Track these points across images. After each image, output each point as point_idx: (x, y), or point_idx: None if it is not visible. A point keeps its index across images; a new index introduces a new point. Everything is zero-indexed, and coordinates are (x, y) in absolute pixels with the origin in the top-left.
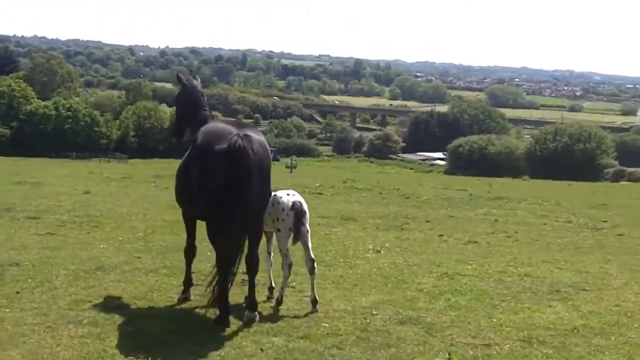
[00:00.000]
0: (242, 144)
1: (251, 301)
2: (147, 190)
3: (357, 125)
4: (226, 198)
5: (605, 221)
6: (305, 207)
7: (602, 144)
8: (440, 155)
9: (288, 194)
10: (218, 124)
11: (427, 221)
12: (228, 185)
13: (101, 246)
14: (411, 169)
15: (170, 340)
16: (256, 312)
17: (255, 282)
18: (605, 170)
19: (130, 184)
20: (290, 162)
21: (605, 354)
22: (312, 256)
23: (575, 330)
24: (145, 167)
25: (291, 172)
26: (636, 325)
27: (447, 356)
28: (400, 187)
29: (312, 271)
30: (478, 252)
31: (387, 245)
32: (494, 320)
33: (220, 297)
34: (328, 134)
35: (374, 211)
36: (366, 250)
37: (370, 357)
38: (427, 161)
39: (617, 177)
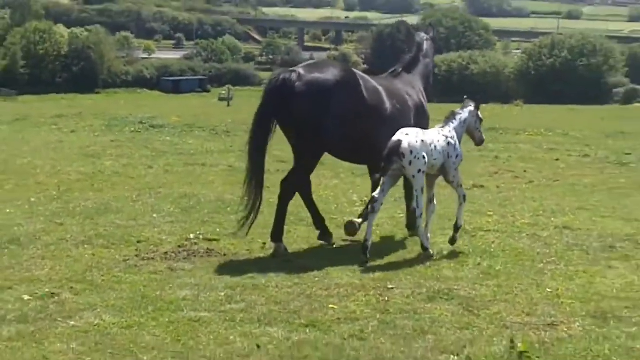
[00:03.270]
0: None
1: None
2: (50, 134)
3: (306, 44)
4: None
5: (629, 154)
6: (404, 147)
7: (609, 58)
8: None
9: (402, 132)
10: None
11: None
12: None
13: (7, 210)
14: None
15: (136, 340)
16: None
17: None
18: (615, 90)
19: (25, 127)
20: (225, 93)
21: None
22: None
23: None
24: (41, 104)
25: (228, 105)
26: None
27: (510, 344)
28: None
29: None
30: (492, 200)
31: None
32: (548, 290)
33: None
34: (270, 57)
35: None
36: (351, 202)
37: (406, 348)
38: None
39: (629, 98)
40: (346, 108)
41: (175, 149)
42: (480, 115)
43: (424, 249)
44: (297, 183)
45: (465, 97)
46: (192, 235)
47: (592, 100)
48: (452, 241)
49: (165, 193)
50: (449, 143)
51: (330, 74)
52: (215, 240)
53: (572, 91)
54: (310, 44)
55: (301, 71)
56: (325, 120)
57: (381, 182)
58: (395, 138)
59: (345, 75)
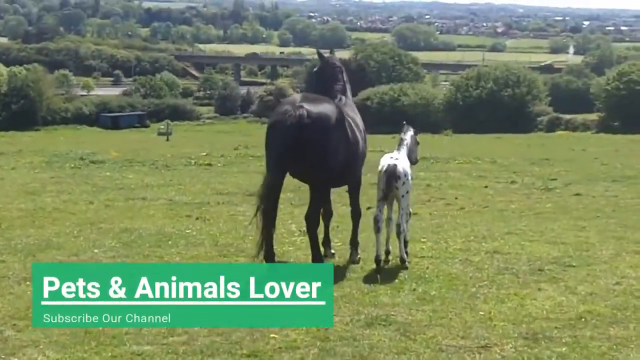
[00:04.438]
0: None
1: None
2: None
3: (243, 79)
4: None
5: (555, 179)
6: (399, 170)
7: (533, 88)
8: None
9: (391, 157)
10: None
11: (347, 191)
12: None
13: None
14: None
15: None
16: None
17: None
18: (539, 118)
19: None
20: (163, 127)
21: (631, 348)
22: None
23: (583, 320)
24: None
25: (167, 139)
26: None
27: None
28: None
29: (397, 234)
30: (425, 227)
31: None
32: (481, 313)
33: None
34: (208, 92)
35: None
36: (290, 232)
37: None
38: None
39: (552, 126)
40: (339, 140)
41: (116, 184)
42: (418, 139)
43: (377, 261)
44: (317, 213)
45: (404, 122)
46: None
47: (517, 129)
48: (402, 261)
49: (106, 228)
50: (409, 165)
51: (330, 109)
52: None
53: (498, 120)
54: (246, 79)
55: (306, 106)
56: (329, 152)
57: (377, 204)
58: (388, 162)
59: (338, 109)
